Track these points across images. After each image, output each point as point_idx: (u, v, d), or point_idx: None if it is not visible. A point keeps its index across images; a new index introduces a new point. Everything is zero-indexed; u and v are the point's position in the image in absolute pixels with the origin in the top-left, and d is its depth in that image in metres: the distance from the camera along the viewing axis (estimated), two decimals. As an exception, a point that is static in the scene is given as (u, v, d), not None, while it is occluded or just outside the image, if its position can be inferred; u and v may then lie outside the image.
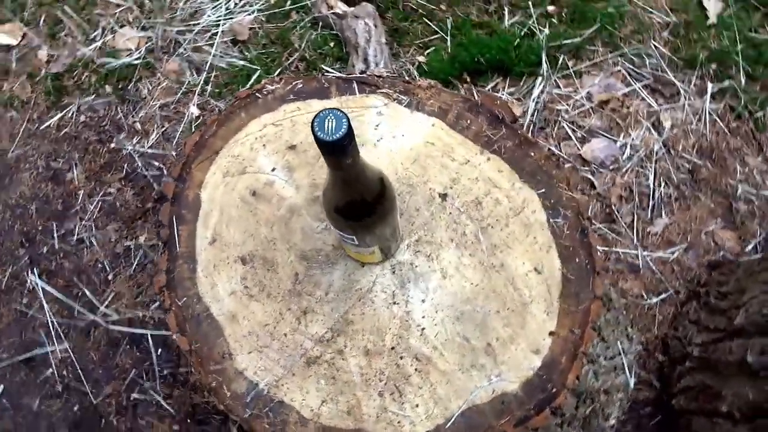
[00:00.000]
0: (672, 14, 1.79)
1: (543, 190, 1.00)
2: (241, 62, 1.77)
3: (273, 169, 1.05)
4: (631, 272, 1.52)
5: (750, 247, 1.54)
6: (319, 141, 0.55)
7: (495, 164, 1.02)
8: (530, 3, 1.78)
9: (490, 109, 1.05)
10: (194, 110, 1.74)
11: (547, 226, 0.98)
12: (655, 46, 1.75)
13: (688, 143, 1.64)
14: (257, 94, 1.10)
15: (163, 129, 1.75)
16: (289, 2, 1.83)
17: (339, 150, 0.57)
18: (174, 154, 1.70)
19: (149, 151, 1.72)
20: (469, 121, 1.05)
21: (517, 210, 0.99)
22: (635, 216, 1.57)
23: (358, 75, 1.08)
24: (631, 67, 1.72)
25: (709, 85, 1.69)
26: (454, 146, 1.04)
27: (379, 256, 0.93)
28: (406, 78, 1.11)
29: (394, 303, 0.96)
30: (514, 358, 0.92)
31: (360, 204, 0.72)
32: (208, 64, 1.80)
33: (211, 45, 1.82)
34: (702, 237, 1.56)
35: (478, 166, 1.02)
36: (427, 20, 1.78)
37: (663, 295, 1.50)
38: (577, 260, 0.96)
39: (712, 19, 1.77)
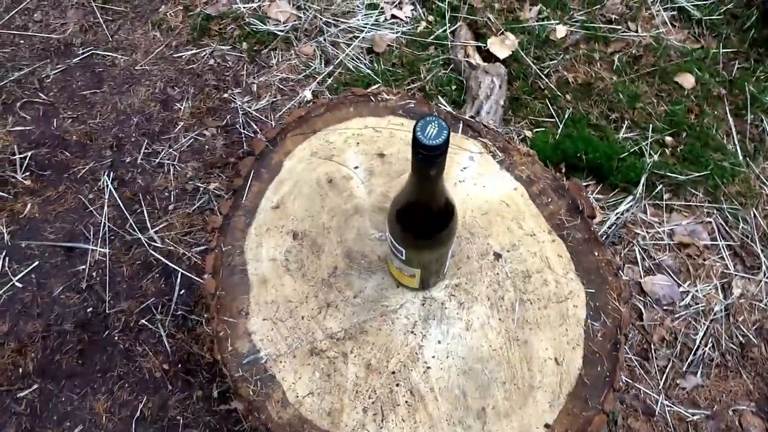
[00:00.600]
0: (784, 192, 1.76)
1: (593, 290, 1.00)
2: (368, 71, 1.86)
3: (356, 167, 1.09)
4: (645, 414, 1.47)
5: (774, 444, 1.46)
6: (416, 142, 0.59)
7: (558, 248, 1.03)
8: (651, 126, 1.79)
9: (574, 198, 1.07)
10: (308, 95, 1.83)
11: (583, 324, 0.98)
12: (754, 214, 1.72)
13: (750, 318, 1.59)
14: (372, 97, 1.16)
15: (274, 99, 1.85)
16: (432, 37, 1.91)
17: (430, 157, 0.60)
18: (273, 124, 1.78)
19: (254, 113, 1.82)
20: (549, 200, 1.07)
21: (561, 298, 0.99)
22: (670, 363, 1.52)
23: (468, 117, 1.12)
24: (723, 224, 1.70)
25: (794, 273, 1.64)
26: (526, 216, 1.05)
27: (417, 283, 0.95)
28: (509, 139, 1.14)
29: (412, 332, 0.97)
30: (500, 433, 0.91)
31: (423, 219, 0.75)
32: (339, 61, 1.89)
33: (348, 45, 1.92)
34: (729, 413, 1.50)
35: (541, 243, 1.03)
36: (548, 102, 1.82)
37: (668, 451, 1.44)
38: (599, 368, 0.95)
39: (822, 213, 1.73)
